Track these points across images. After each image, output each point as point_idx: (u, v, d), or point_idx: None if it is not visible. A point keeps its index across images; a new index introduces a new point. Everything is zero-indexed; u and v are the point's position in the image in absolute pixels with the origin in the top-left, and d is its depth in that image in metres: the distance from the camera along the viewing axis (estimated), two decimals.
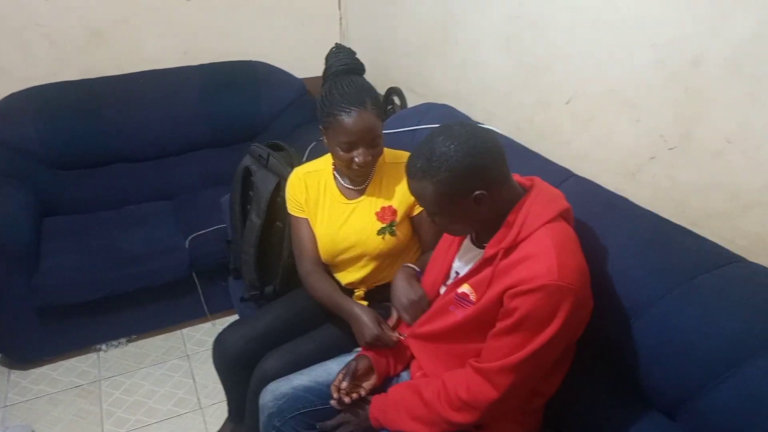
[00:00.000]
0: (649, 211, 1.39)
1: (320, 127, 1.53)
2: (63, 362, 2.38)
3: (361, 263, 1.63)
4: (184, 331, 2.54)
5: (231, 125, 2.85)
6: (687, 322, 1.15)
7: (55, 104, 2.57)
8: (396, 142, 2.04)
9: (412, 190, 1.19)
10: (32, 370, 2.34)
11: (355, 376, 1.39)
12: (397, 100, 2.61)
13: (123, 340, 2.47)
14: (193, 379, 2.28)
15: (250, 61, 2.91)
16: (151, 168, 2.76)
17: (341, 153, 1.48)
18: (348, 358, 1.48)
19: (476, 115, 2.02)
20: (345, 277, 1.67)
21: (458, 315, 1.26)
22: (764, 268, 1.17)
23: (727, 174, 1.24)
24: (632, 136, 1.44)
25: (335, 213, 1.63)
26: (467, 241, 1.34)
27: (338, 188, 1.64)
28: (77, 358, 2.40)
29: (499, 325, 1.15)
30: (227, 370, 1.74)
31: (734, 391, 1.06)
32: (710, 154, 1.26)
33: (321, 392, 1.42)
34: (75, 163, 2.63)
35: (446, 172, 1.10)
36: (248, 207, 1.92)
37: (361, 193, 1.62)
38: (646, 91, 1.38)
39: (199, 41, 2.85)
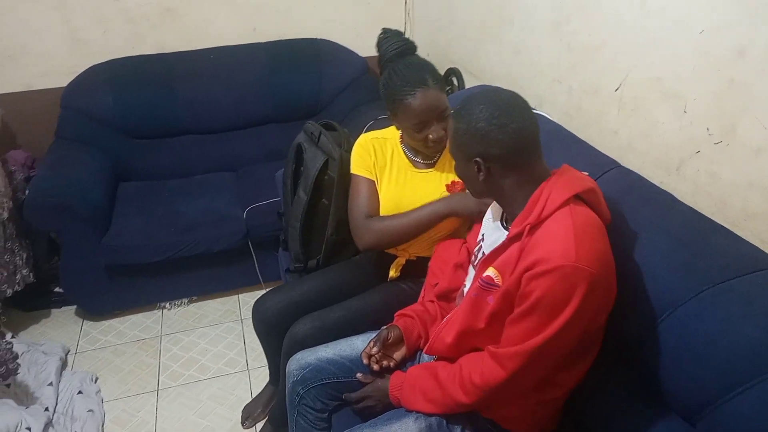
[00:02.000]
0: (689, 207, 1.34)
1: (389, 113, 1.58)
2: (130, 316, 2.58)
3: None
4: (240, 296, 2.68)
5: (293, 102, 2.93)
6: (710, 327, 1.11)
7: (131, 77, 2.74)
8: None
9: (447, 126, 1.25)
10: (102, 321, 2.55)
11: (385, 344, 1.44)
12: (455, 81, 2.59)
13: (185, 300, 2.64)
14: (244, 342, 2.41)
15: (315, 38, 2.97)
16: (216, 141, 2.89)
17: (415, 134, 1.53)
18: (374, 335, 1.52)
19: (528, 99, 1.93)
20: None
21: (490, 302, 1.24)
22: None
23: None
24: (678, 128, 1.38)
25: (403, 178, 1.66)
26: (497, 222, 1.33)
27: (409, 160, 1.67)
28: (143, 313, 2.60)
29: (516, 310, 1.15)
30: (265, 334, 1.84)
31: (753, 404, 1.02)
32: (753, 151, 1.19)
33: (343, 366, 1.48)
34: (148, 133, 2.80)
35: (463, 124, 1.17)
36: (298, 182, 1.99)
37: (431, 165, 1.65)
38: (692, 81, 1.31)
39: (267, 19, 2.93)
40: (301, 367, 1.50)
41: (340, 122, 2.70)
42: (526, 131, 1.17)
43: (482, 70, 2.35)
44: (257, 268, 2.57)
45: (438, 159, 1.63)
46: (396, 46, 1.61)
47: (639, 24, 1.44)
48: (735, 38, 1.19)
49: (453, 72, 2.58)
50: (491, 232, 1.34)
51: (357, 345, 1.51)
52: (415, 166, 1.66)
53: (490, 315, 1.22)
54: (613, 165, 1.54)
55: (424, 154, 1.63)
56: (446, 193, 1.60)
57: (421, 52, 2.97)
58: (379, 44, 1.67)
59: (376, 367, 1.41)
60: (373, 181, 1.68)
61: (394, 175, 1.67)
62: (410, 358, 1.49)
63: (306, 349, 1.54)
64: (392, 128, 1.71)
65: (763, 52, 1.14)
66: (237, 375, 2.27)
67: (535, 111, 1.86)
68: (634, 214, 1.36)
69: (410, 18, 3.02)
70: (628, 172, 1.51)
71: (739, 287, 1.11)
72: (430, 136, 1.51)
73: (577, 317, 1.09)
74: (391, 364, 1.45)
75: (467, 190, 1.32)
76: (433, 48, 2.84)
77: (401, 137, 1.67)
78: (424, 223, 1.57)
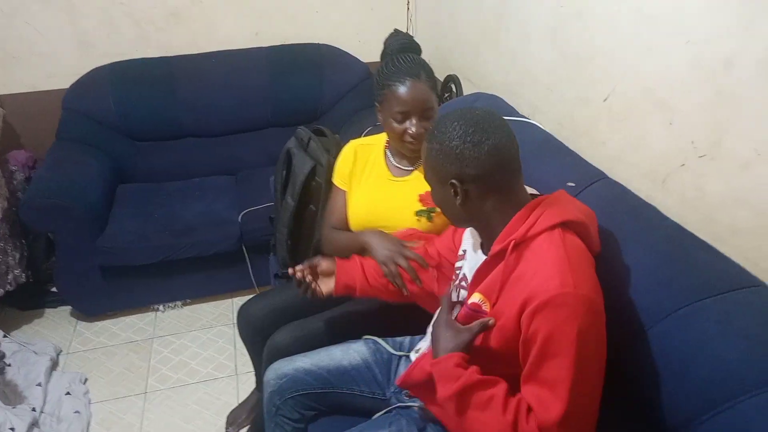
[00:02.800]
0: (674, 222, 1.30)
1: (375, 104, 1.57)
2: (124, 318, 2.58)
3: None
4: (234, 300, 2.67)
5: (294, 107, 2.93)
6: (687, 346, 1.07)
7: (134, 79, 2.76)
8: None
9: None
10: (96, 322, 2.56)
11: (314, 269, 1.43)
12: (453, 87, 2.56)
13: (179, 303, 2.64)
14: (235, 347, 2.40)
15: (317, 44, 2.96)
16: (217, 144, 2.90)
17: (395, 125, 1.52)
18: (354, 345, 1.50)
19: (522, 108, 1.95)
20: None
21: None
22: None
23: (754, 189, 1.13)
24: (664, 140, 1.34)
25: (378, 186, 1.65)
26: (478, 250, 1.25)
27: (387, 165, 1.66)
28: (137, 315, 2.60)
29: (530, 360, 1.02)
30: (250, 340, 1.82)
31: (726, 427, 0.98)
32: (738, 165, 1.15)
33: (321, 376, 1.46)
34: (148, 135, 2.82)
35: (436, 145, 1.10)
36: (287, 188, 1.98)
37: (408, 173, 1.63)
38: (680, 92, 1.27)
39: (270, 23, 2.93)
40: (278, 377, 1.47)
41: (340, 128, 2.71)
42: (504, 148, 1.09)
43: (480, 77, 2.33)
44: (251, 272, 2.56)
45: (416, 167, 1.61)
46: (400, 43, 1.63)
47: (632, 33, 1.40)
48: (723, 49, 1.15)
49: (452, 79, 2.56)
50: (472, 255, 1.26)
51: (336, 355, 1.49)
52: (393, 174, 1.63)
53: (480, 348, 1.13)
54: (601, 176, 1.51)
55: (404, 156, 1.60)
56: (418, 203, 1.57)
57: (423, 58, 2.97)
58: (387, 39, 1.71)
59: (298, 275, 1.40)
60: (345, 192, 1.68)
61: (369, 183, 1.65)
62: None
63: (284, 358, 1.52)
64: (382, 135, 1.69)
65: (750, 63, 1.10)
66: (225, 380, 2.25)
67: (527, 120, 1.85)
68: (617, 228, 1.33)
69: (413, 24, 3.01)
70: (615, 185, 1.47)
71: (717, 306, 1.07)
72: (409, 130, 1.49)
73: (596, 341, 1.02)
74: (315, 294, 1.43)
75: (448, 219, 1.24)
76: (435, 54, 2.82)
77: (387, 142, 1.65)
78: (351, 248, 1.56)
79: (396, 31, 1.68)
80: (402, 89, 1.46)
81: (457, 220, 1.20)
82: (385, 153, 1.66)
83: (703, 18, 1.19)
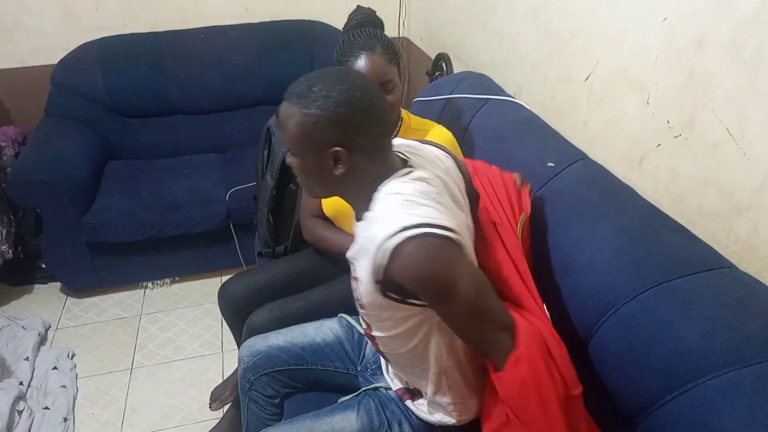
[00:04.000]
0: (648, 202, 1.29)
1: None
2: (113, 294, 2.59)
3: None
4: (223, 278, 2.67)
5: (284, 84, 2.70)
6: (651, 327, 1.07)
7: (122, 55, 2.73)
8: (429, 110, 2.01)
9: (281, 114, 1.04)
10: (85, 299, 2.57)
11: None
12: (444, 66, 2.53)
13: (167, 280, 2.65)
14: (221, 325, 2.41)
15: (307, 20, 2.92)
16: (206, 121, 2.88)
17: None
18: (327, 322, 1.51)
19: (508, 87, 1.93)
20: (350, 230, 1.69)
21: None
22: (748, 278, 1.06)
23: (724, 170, 1.11)
24: (641, 120, 1.32)
25: None
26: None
27: None
28: (126, 292, 2.61)
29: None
30: (230, 318, 1.83)
31: (687, 408, 0.98)
32: (710, 146, 1.13)
33: (294, 353, 1.46)
34: (138, 112, 2.80)
35: (318, 109, 0.97)
36: (267, 167, 1.97)
37: None
38: (654, 71, 1.25)
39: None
40: (251, 354, 1.48)
41: None
42: (386, 111, 1.04)
43: (469, 56, 2.30)
44: (239, 251, 2.56)
45: None
46: (359, 18, 1.61)
47: (611, 11, 1.38)
48: (696, 27, 1.13)
49: (442, 57, 2.53)
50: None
51: (309, 332, 1.49)
52: None
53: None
54: (581, 156, 1.50)
55: None
56: None
57: (415, 37, 2.95)
58: (349, 16, 1.68)
59: None
60: None
61: None
62: None
63: (257, 335, 1.53)
64: None
65: (723, 42, 1.08)
66: (210, 357, 2.27)
67: (513, 99, 1.83)
68: (593, 209, 1.33)
69: (405, 2, 2.96)
70: (594, 165, 1.46)
71: (683, 287, 1.07)
72: None
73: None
74: None
75: (310, 191, 1.15)
76: (426, 33, 2.78)
77: None
78: (339, 252, 1.50)
79: (358, 6, 1.66)
80: (357, 64, 1.44)
81: (329, 191, 1.11)
82: None
83: None
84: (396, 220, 0.95)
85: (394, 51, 1.50)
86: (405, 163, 1.08)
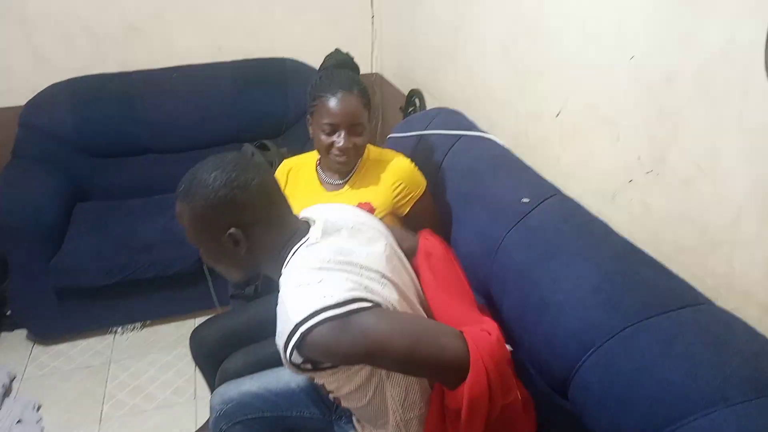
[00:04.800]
0: (622, 238, 1.29)
1: (307, 116, 1.55)
2: (81, 341, 2.50)
3: None
4: (196, 320, 2.60)
5: (258, 122, 2.89)
6: (632, 367, 1.04)
7: (92, 95, 2.70)
8: (403, 146, 2.00)
9: (176, 214, 1.12)
10: (53, 346, 2.48)
11: None
12: (417, 102, 2.54)
13: (138, 324, 2.57)
14: (195, 370, 2.33)
15: (281, 58, 2.93)
16: (179, 160, 2.80)
17: (323, 137, 1.50)
18: None
19: (481, 122, 1.94)
20: None
21: None
22: (726, 315, 1.05)
23: (697, 206, 1.11)
24: (612, 156, 1.33)
25: (311, 203, 1.61)
26: None
27: (319, 180, 1.64)
28: (95, 338, 2.52)
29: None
30: (203, 364, 1.77)
31: None
32: (681, 181, 1.13)
33: (269, 400, 1.41)
34: (108, 152, 2.77)
35: (201, 200, 1.03)
36: None
37: (341, 187, 1.60)
38: (624, 108, 1.26)
39: (233, 37, 2.90)
40: (223, 402, 1.43)
41: (305, 142, 2.67)
42: (269, 182, 1.09)
43: (442, 92, 2.31)
44: (213, 292, 2.50)
45: (348, 179, 1.59)
46: (337, 60, 1.62)
47: (578, 47, 1.39)
48: (663, 65, 1.14)
49: (415, 93, 2.55)
50: None
51: (283, 377, 1.44)
52: (326, 189, 1.61)
53: None
54: (555, 192, 1.50)
55: (333, 171, 1.58)
56: None
57: (387, 74, 2.97)
58: (326, 57, 1.69)
59: None
60: None
61: (303, 201, 1.62)
62: None
63: (229, 381, 1.47)
64: (314, 152, 1.67)
65: (690, 79, 1.09)
66: (183, 405, 2.19)
67: (486, 135, 1.83)
68: (569, 245, 1.31)
69: (378, 39, 2.99)
70: (568, 200, 1.46)
71: (662, 325, 1.05)
72: (337, 144, 1.47)
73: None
74: None
75: (229, 276, 1.19)
76: (399, 69, 2.81)
77: (318, 160, 1.63)
78: None
79: (336, 50, 1.68)
80: (333, 101, 1.44)
81: (243, 271, 1.16)
82: (317, 169, 1.64)
83: (643, 35, 1.18)
84: (293, 314, 0.95)
85: (368, 97, 1.51)
86: (307, 225, 1.12)
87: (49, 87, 2.67)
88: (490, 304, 1.53)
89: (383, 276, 1.06)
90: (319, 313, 0.93)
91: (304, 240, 1.08)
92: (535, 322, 1.27)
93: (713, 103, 1.05)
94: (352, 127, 1.47)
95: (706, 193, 1.09)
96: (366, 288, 1.00)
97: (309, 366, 1.02)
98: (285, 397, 1.42)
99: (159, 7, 2.75)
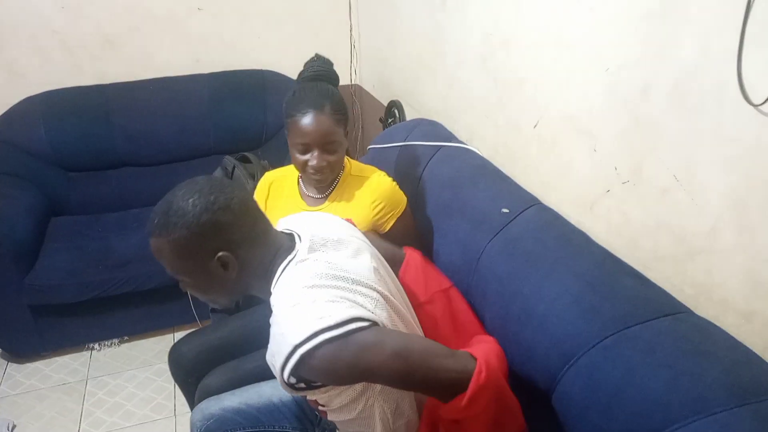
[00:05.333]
0: (601, 248, 1.30)
1: (286, 131, 1.53)
2: (57, 358, 2.45)
3: None
4: (176, 335, 2.57)
5: (237, 134, 2.87)
6: (613, 377, 1.05)
7: (67, 108, 2.66)
8: (384, 157, 2.00)
9: (153, 251, 1.06)
10: (28, 364, 2.42)
11: None
12: (397, 113, 2.55)
13: (116, 340, 2.52)
14: (174, 386, 2.29)
15: (259, 70, 2.92)
16: (157, 173, 2.81)
17: (297, 155, 1.49)
18: None
19: (460, 133, 1.95)
20: None
21: None
22: (706, 323, 1.06)
23: (674, 215, 1.12)
24: (589, 167, 1.34)
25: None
26: None
27: (300, 195, 1.63)
28: (71, 355, 2.47)
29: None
30: (182, 381, 1.74)
31: None
32: (658, 191, 1.15)
33: (250, 415, 1.39)
34: (83, 166, 2.72)
35: (183, 229, 0.98)
36: None
37: (322, 201, 1.59)
38: (600, 119, 1.27)
39: (210, 50, 2.88)
40: (204, 418, 1.40)
41: (285, 154, 2.65)
42: (247, 199, 1.06)
43: (421, 103, 2.32)
44: (192, 306, 2.47)
45: (329, 194, 1.58)
46: (315, 70, 1.58)
47: (554, 59, 1.41)
48: (639, 76, 1.15)
49: (395, 104, 2.55)
50: None
51: (265, 392, 1.43)
52: (307, 204, 1.60)
53: None
54: (534, 202, 1.50)
55: (313, 186, 1.58)
56: None
57: (367, 85, 2.97)
58: (305, 64, 1.65)
59: None
60: None
61: (285, 212, 1.61)
62: None
63: (211, 397, 1.45)
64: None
65: (665, 90, 1.10)
66: (163, 422, 2.15)
67: (465, 146, 1.84)
68: (549, 254, 1.32)
69: (356, 50, 3.00)
70: (547, 210, 1.47)
71: (642, 334, 1.06)
72: (310, 163, 1.46)
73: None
74: None
75: (216, 303, 1.18)
76: (378, 80, 2.81)
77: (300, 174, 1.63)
78: None
79: (316, 56, 1.62)
80: (303, 121, 1.42)
81: (232, 295, 1.13)
82: (299, 182, 1.63)
83: (618, 47, 1.20)
84: (290, 336, 0.93)
85: (343, 111, 1.48)
86: (291, 239, 1.10)
87: (23, 100, 2.62)
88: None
89: (374, 290, 1.05)
90: (318, 335, 0.91)
91: (291, 256, 1.05)
92: (516, 332, 1.28)
93: (689, 115, 1.07)
94: (325, 146, 1.45)
95: (683, 203, 1.10)
96: (361, 305, 0.99)
97: (303, 385, 1.00)
98: (267, 412, 1.40)
99: (136, 20, 2.72)
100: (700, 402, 0.93)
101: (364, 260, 1.11)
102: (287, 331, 0.94)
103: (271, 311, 1.68)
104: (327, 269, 1.02)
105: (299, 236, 1.10)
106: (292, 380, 0.97)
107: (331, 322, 0.92)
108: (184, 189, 1.03)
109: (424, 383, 0.99)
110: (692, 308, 1.10)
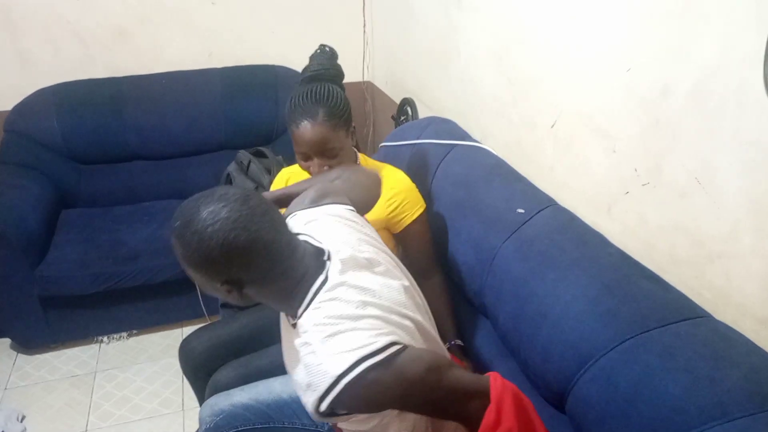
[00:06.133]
0: (619, 250, 1.28)
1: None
2: (66, 351, 2.46)
3: None
4: (184, 329, 2.57)
5: (248, 128, 2.86)
6: (631, 380, 1.03)
7: (79, 100, 2.66)
8: (396, 155, 1.99)
9: (172, 243, 1.01)
10: (37, 355, 2.43)
11: None
12: (409, 110, 2.54)
13: (124, 333, 2.53)
14: (182, 380, 2.29)
15: (271, 65, 2.91)
16: (167, 166, 2.81)
17: (300, 161, 1.49)
18: None
19: (474, 132, 1.93)
20: None
21: None
22: (725, 328, 1.04)
23: (694, 218, 1.11)
24: (607, 168, 1.33)
25: None
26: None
27: None
28: (80, 347, 2.47)
29: None
30: (192, 376, 1.74)
31: None
32: (677, 193, 1.13)
33: (260, 411, 1.39)
34: (95, 158, 2.72)
35: (196, 251, 0.93)
36: None
37: None
38: (619, 119, 1.26)
39: (223, 44, 2.88)
40: (213, 414, 1.40)
41: (293, 151, 2.65)
42: (273, 241, 0.97)
43: (434, 100, 2.31)
44: (201, 301, 2.47)
45: None
46: (315, 69, 1.57)
47: (570, 60, 1.39)
48: (659, 76, 1.14)
49: (407, 102, 2.54)
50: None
51: (275, 388, 1.42)
52: None
53: None
54: (550, 203, 1.49)
55: None
56: None
57: (379, 82, 2.96)
58: (310, 58, 1.63)
59: None
60: None
61: None
62: None
63: (220, 393, 1.45)
64: None
65: (686, 91, 1.09)
66: (170, 416, 2.15)
67: (479, 145, 1.83)
68: (565, 256, 1.31)
69: (369, 47, 2.99)
70: (563, 211, 1.46)
71: (660, 338, 1.04)
72: (312, 169, 1.47)
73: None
74: None
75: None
76: (391, 77, 2.80)
77: None
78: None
79: (321, 48, 1.58)
80: (299, 130, 1.43)
81: (241, 304, 1.14)
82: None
83: (637, 46, 1.18)
84: (332, 366, 0.91)
85: (340, 113, 1.45)
86: (320, 256, 1.04)
87: (35, 92, 2.63)
88: (485, 315, 1.53)
89: (407, 317, 1.04)
90: (360, 363, 0.90)
91: (323, 278, 1.00)
92: (531, 333, 1.27)
93: (709, 116, 1.05)
94: (324, 152, 1.44)
95: (702, 206, 1.08)
96: (396, 326, 0.99)
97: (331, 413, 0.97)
98: (276, 408, 1.40)
99: (148, 12, 2.72)
100: (719, 407, 0.92)
101: (394, 281, 1.08)
102: (327, 361, 0.92)
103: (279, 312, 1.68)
104: (361, 296, 0.99)
105: (328, 254, 1.05)
106: (326, 410, 0.94)
107: (373, 349, 0.91)
108: (213, 207, 0.94)
109: (453, 394, 0.99)
110: (711, 312, 1.09)
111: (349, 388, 0.90)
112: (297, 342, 0.99)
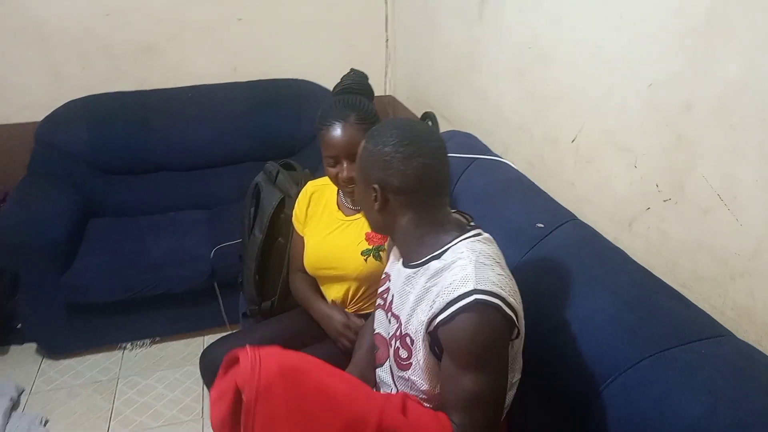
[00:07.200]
0: (640, 266, 1.27)
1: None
2: (90, 356, 2.50)
3: (345, 282, 1.62)
4: (205, 338, 2.59)
5: (271, 141, 2.90)
6: (651, 399, 1.03)
7: (108, 113, 2.73)
8: None
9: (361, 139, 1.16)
10: (61, 360, 2.47)
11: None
12: (430, 124, 2.55)
13: (147, 341, 2.57)
14: (203, 388, 2.32)
15: (295, 79, 2.96)
16: (192, 178, 2.86)
17: (329, 168, 1.51)
18: None
19: (495, 146, 1.94)
20: (328, 292, 1.69)
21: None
22: (748, 347, 1.03)
23: (717, 235, 1.10)
24: (629, 183, 1.32)
25: (329, 227, 1.64)
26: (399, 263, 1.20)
27: (338, 204, 1.65)
28: (104, 354, 2.52)
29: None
30: (212, 384, 1.75)
31: None
32: (701, 210, 1.13)
33: None
34: (122, 169, 2.78)
35: (370, 146, 1.09)
36: (254, 223, 1.94)
37: (358, 211, 1.60)
38: (641, 135, 1.26)
39: (248, 59, 2.93)
40: None
41: (318, 163, 2.68)
42: (433, 170, 1.08)
43: (455, 115, 2.32)
44: (223, 310, 2.50)
45: None
46: (347, 84, 1.61)
47: (593, 74, 1.40)
48: (682, 92, 1.14)
49: (428, 116, 2.55)
50: (396, 271, 1.20)
51: None
52: (344, 214, 1.61)
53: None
54: (570, 217, 1.49)
55: (350, 197, 1.59)
56: (364, 243, 1.56)
57: (401, 96, 2.99)
58: (341, 78, 1.68)
59: None
60: (301, 237, 1.69)
61: (321, 225, 1.64)
62: None
63: None
64: None
65: (709, 106, 1.09)
66: (190, 423, 2.17)
67: (500, 159, 1.83)
68: (585, 272, 1.30)
69: (391, 62, 3.02)
70: (584, 226, 1.45)
71: (682, 357, 1.03)
72: (340, 174, 1.47)
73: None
74: None
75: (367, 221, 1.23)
76: (413, 92, 2.82)
77: None
78: (308, 307, 1.69)
79: (352, 71, 1.65)
80: (330, 133, 1.45)
81: (375, 224, 1.20)
82: (338, 193, 1.64)
83: (660, 62, 1.19)
84: (474, 281, 0.99)
85: (371, 120, 1.48)
86: (468, 223, 1.16)
87: (65, 104, 2.70)
88: None
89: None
90: (495, 295, 0.98)
91: (473, 233, 1.09)
92: (550, 350, 1.26)
93: (733, 132, 1.05)
94: (353, 156, 1.44)
95: (725, 223, 1.08)
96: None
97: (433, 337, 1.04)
98: None
99: (175, 28, 2.78)
100: (741, 428, 0.91)
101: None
102: (472, 275, 0.99)
103: (303, 319, 1.70)
104: (503, 260, 1.10)
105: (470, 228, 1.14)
106: (434, 327, 1.01)
107: (504, 296, 0.99)
108: (401, 122, 1.13)
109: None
110: (733, 331, 1.08)
111: (473, 306, 0.97)
112: (423, 278, 1.07)
